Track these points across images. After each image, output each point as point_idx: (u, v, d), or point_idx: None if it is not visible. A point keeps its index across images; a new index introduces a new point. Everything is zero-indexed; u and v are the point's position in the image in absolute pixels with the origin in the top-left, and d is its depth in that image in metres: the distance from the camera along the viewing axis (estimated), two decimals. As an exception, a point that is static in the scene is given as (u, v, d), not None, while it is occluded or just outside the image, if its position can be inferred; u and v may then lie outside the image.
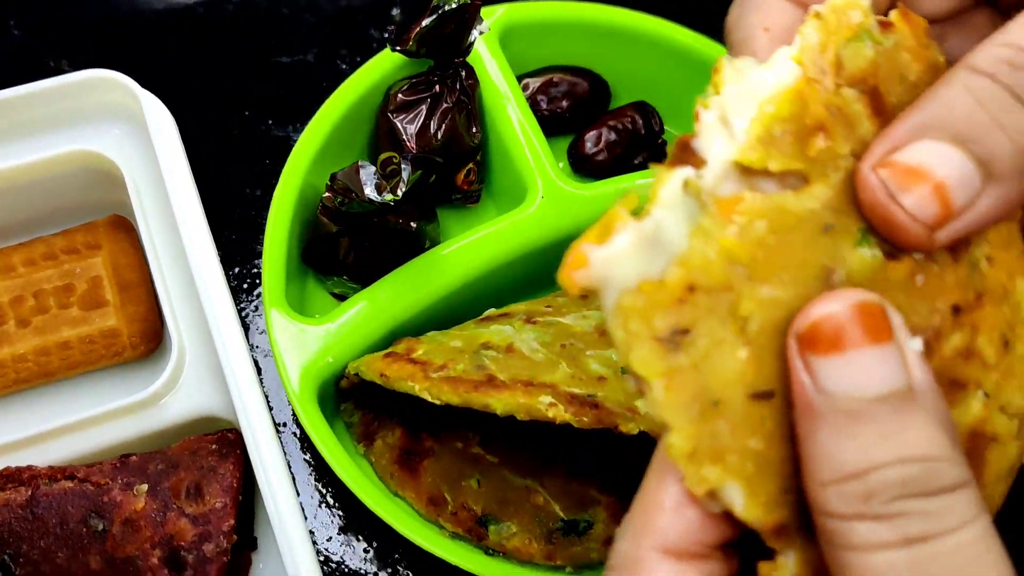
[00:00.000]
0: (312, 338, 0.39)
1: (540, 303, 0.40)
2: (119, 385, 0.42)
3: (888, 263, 0.23)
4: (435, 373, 0.35)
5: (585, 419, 0.33)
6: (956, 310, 0.23)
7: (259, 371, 0.43)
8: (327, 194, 0.40)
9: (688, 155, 0.23)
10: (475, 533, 0.39)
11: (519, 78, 0.47)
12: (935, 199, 0.22)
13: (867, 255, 0.22)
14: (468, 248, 0.41)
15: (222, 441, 0.38)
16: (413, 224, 0.41)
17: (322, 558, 0.41)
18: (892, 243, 0.23)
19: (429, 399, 0.34)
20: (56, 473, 0.36)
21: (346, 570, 0.41)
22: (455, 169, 0.44)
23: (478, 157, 0.45)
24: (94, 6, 0.52)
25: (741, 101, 0.23)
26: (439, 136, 0.43)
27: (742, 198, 0.22)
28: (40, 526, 0.35)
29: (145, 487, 0.36)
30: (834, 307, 0.21)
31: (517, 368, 0.35)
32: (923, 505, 0.21)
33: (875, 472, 0.21)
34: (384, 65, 0.44)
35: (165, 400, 0.38)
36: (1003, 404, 0.24)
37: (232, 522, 0.36)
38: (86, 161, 0.41)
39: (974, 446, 0.24)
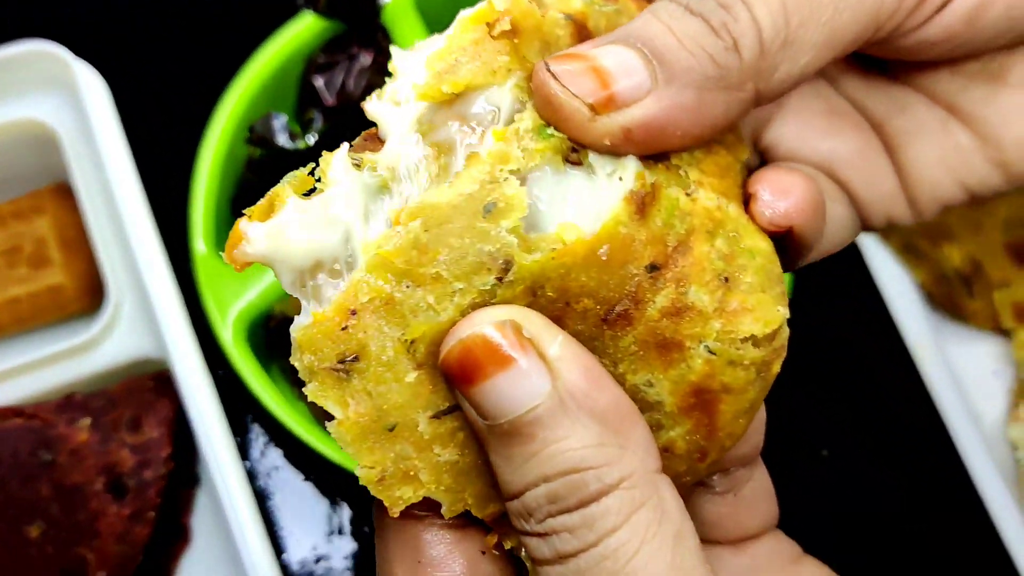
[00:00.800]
0: (244, 281, 0.42)
1: None
2: (66, 338, 0.45)
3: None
4: None
5: None
6: (653, 268, 0.22)
7: (196, 318, 0.46)
8: (248, 146, 0.43)
9: (372, 143, 0.22)
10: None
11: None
12: (594, 79, 0.22)
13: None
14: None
15: (159, 379, 0.41)
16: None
17: (262, 495, 0.44)
18: (565, 134, 0.22)
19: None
20: (6, 412, 0.39)
21: (287, 503, 0.44)
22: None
23: (398, 113, 0.48)
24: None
25: (415, 61, 0.22)
26: (357, 93, 0.46)
27: (403, 209, 0.21)
28: (-8, 460, 0.38)
29: (88, 421, 0.39)
30: (466, 334, 0.21)
31: None
32: (568, 521, 0.21)
33: (528, 492, 0.21)
34: (305, 30, 0.47)
35: (104, 345, 0.41)
36: (733, 355, 0.23)
37: (169, 450, 0.39)
38: (26, 130, 0.44)
39: (702, 401, 0.23)
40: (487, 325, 0.21)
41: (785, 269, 0.24)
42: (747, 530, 0.27)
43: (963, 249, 0.51)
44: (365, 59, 0.46)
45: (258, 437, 0.46)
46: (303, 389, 0.21)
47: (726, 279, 0.23)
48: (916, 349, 0.47)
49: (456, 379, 0.21)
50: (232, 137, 0.45)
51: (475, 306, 0.21)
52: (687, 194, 0.23)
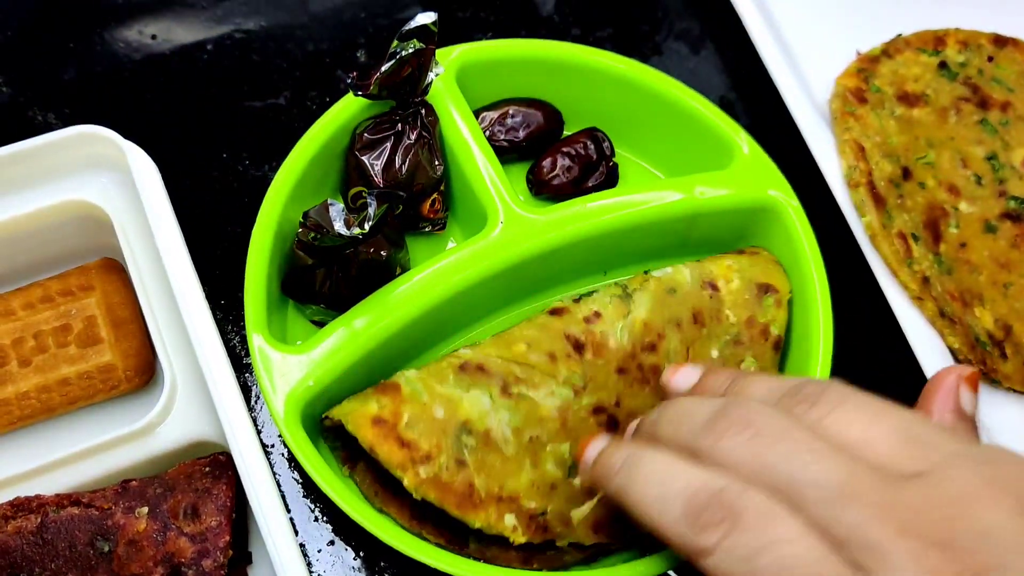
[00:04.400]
0: (294, 364, 0.42)
1: (509, 344, 0.43)
2: (116, 416, 0.45)
3: None
4: (422, 468, 0.39)
5: (535, 540, 0.41)
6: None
7: (248, 397, 0.47)
8: (301, 230, 0.43)
9: None
10: (456, 543, 0.42)
11: (477, 112, 0.51)
12: None
13: None
14: (435, 273, 0.44)
15: (215, 464, 0.41)
16: (383, 253, 0.44)
17: (314, 572, 0.44)
18: None
19: (415, 496, 0.40)
20: (63, 500, 0.39)
21: (336, 578, 0.44)
22: (421, 200, 0.48)
23: (442, 188, 0.48)
24: (75, 61, 0.55)
25: None
26: (404, 170, 0.46)
27: None
28: (51, 550, 0.38)
29: (146, 510, 0.39)
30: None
31: (491, 467, 0.40)
32: None
33: None
34: (350, 107, 0.47)
35: (160, 428, 0.41)
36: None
37: (227, 538, 0.39)
38: (77, 210, 0.45)
39: None
40: None
41: None
42: None
43: (994, 312, 0.52)
44: (411, 136, 0.46)
45: (304, 511, 0.46)
46: None
47: None
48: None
49: None
50: (281, 217, 0.45)
51: None
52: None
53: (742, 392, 0.36)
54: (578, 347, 0.43)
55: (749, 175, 0.48)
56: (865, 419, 0.32)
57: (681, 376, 0.40)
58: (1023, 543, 0.28)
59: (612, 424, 0.42)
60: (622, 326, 0.44)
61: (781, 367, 0.47)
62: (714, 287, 0.45)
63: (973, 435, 0.38)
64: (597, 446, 0.38)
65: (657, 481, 0.33)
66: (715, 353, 0.44)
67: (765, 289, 0.46)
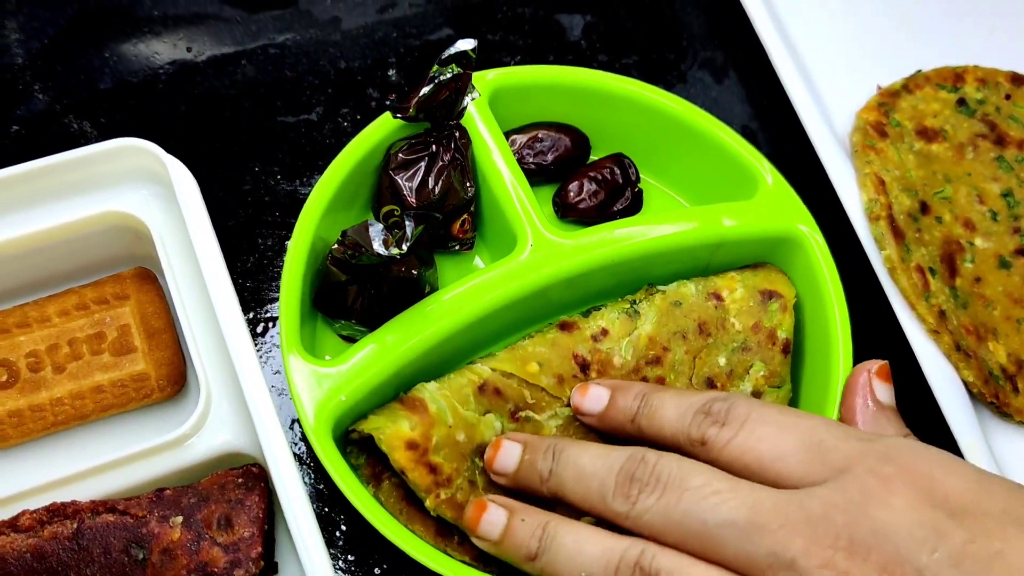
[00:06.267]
0: (326, 379, 0.43)
1: (524, 362, 0.45)
2: (147, 424, 0.46)
3: None
4: (443, 491, 0.41)
5: None
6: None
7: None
8: (337, 247, 0.44)
9: None
10: (480, 560, 0.43)
11: (507, 134, 0.51)
12: None
13: None
14: (465, 293, 0.45)
15: (247, 475, 0.41)
16: (415, 272, 0.45)
17: (336, 580, 0.45)
18: None
19: (432, 515, 0.42)
20: (98, 507, 0.40)
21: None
22: (451, 220, 0.49)
23: (472, 208, 0.49)
24: (111, 71, 0.56)
25: None
26: (436, 191, 0.47)
27: None
28: (86, 556, 0.39)
29: (180, 519, 0.40)
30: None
31: (498, 487, 0.42)
32: None
33: None
34: (385, 126, 0.48)
35: (194, 439, 0.42)
36: None
37: (260, 549, 0.40)
38: (116, 220, 0.45)
39: None
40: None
41: None
42: None
43: (1007, 347, 0.53)
44: (444, 157, 0.47)
45: (328, 524, 0.47)
46: None
47: None
48: (966, 448, 0.49)
49: None
50: (315, 234, 0.46)
51: None
52: None
53: (653, 417, 0.39)
54: (584, 367, 0.44)
55: (773, 207, 0.49)
56: (772, 433, 0.35)
57: (590, 399, 0.43)
58: (918, 534, 0.30)
59: (606, 440, 0.43)
60: (627, 342, 0.45)
61: (794, 379, 0.48)
62: (718, 297, 0.47)
63: (896, 424, 0.42)
64: (506, 460, 0.41)
65: (577, 559, 0.36)
66: (723, 361, 0.46)
67: (769, 295, 0.47)
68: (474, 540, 0.40)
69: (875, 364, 0.43)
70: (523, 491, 0.41)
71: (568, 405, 0.44)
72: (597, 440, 0.43)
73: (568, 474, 0.38)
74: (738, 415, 0.36)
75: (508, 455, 0.41)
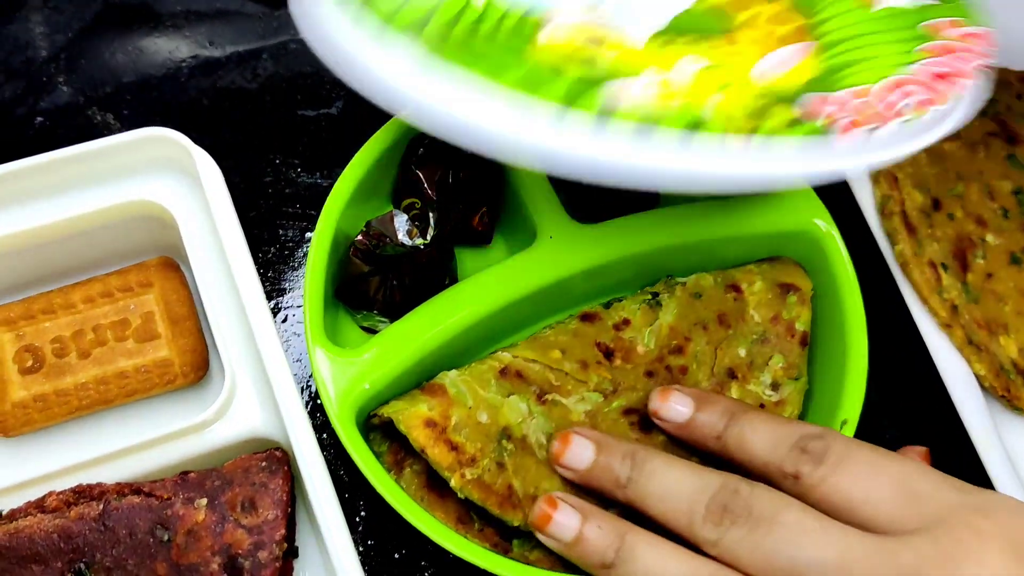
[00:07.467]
0: (350, 367, 0.43)
1: (545, 349, 0.45)
2: (170, 409, 0.47)
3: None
4: (468, 470, 0.41)
5: None
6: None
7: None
8: (360, 238, 0.44)
9: None
10: (501, 547, 0.43)
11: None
12: None
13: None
14: (486, 283, 0.46)
15: (271, 459, 0.42)
16: (436, 263, 0.45)
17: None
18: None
19: (460, 496, 0.41)
20: (124, 489, 0.40)
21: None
22: (471, 212, 0.49)
23: (491, 201, 0.50)
24: (133, 64, 0.57)
25: None
26: (458, 184, 0.48)
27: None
28: (112, 537, 0.39)
29: (204, 501, 0.40)
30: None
31: (527, 470, 0.42)
32: None
33: None
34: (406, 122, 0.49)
35: (218, 424, 0.42)
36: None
37: (283, 532, 0.40)
38: (142, 209, 0.46)
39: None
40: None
41: None
42: None
43: (1018, 341, 0.53)
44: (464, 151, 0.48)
45: (352, 512, 0.47)
46: None
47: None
48: (978, 441, 0.49)
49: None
50: (337, 225, 0.46)
51: None
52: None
53: (744, 441, 0.38)
54: (608, 354, 0.45)
55: (790, 202, 0.49)
56: (866, 477, 0.35)
57: (672, 408, 0.42)
58: None
59: (644, 425, 0.44)
60: (649, 332, 0.46)
61: (809, 371, 0.48)
62: (737, 290, 0.48)
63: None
64: (578, 457, 0.41)
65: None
66: (743, 352, 0.46)
67: (787, 288, 0.48)
68: (540, 537, 0.40)
69: (917, 451, 0.43)
70: (589, 488, 0.41)
71: (595, 391, 0.44)
72: (640, 432, 0.44)
73: (652, 488, 0.37)
74: (835, 454, 0.35)
75: (580, 452, 0.40)
